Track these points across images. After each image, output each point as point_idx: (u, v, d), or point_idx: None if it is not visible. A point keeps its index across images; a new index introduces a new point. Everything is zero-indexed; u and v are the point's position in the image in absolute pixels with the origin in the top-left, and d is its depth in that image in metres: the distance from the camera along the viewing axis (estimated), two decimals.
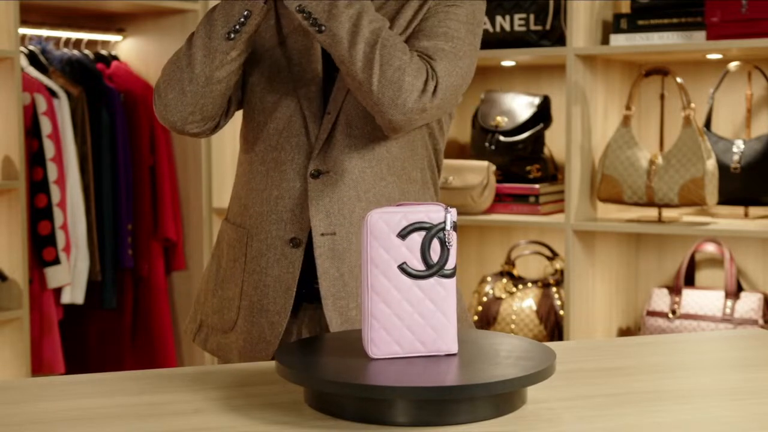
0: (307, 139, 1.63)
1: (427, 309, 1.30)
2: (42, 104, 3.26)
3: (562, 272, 3.26)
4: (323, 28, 1.50)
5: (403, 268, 1.29)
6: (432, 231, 1.29)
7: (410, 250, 1.29)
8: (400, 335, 1.30)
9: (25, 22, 3.44)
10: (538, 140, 3.26)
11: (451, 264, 1.30)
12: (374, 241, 1.29)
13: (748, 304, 2.97)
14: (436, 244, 1.29)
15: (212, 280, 1.76)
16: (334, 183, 1.63)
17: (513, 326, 3.21)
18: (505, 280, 3.30)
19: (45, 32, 3.56)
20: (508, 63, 3.35)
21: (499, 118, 3.26)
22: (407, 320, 1.30)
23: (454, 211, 1.30)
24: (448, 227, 1.29)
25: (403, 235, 1.29)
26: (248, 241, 1.68)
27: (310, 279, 1.65)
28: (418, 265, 1.29)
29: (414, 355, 1.30)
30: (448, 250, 1.29)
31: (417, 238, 1.29)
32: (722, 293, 3.02)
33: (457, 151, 3.58)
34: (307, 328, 1.68)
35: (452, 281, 1.30)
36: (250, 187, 1.69)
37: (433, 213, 1.29)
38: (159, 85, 1.60)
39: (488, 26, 3.16)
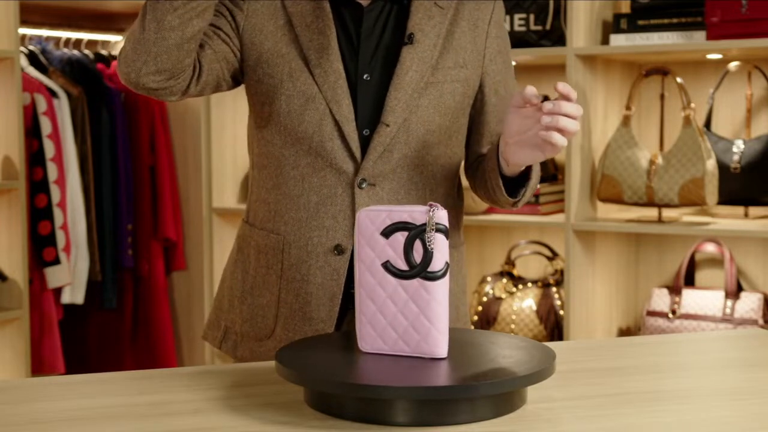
0: (343, 143, 1.60)
1: (410, 310, 1.30)
2: (42, 104, 3.26)
3: (562, 272, 3.26)
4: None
5: (386, 267, 1.30)
6: (414, 231, 1.28)
7: (394, 250, 1.29)
8: (384, 332, 1.31)
9: (25, 22, 3.45)
10: None
11: (436, 266, 1.28)
12: (361, 238, 1.31)
13: (748, 304, 2.97)
14: (419, 245, 1.29)
15: (238, 287, 1.72)
16: (381, 198, 1.61)
17: (513, 326, 3.21)
18: (505, 280, 3.30)
19: (45, 32, 3.56)
20: None
21: None
22: (390, 319, 1.31)
23: (442, 213, 1.28)
24: (428, 229, 1.28)
25: (386, 233, 1.29)
26: (285, 248, 1.64)
27: (349, 284, 1.63)
28: (402, 264, 1.29)
29: (400, 353, 1.31)
30: (431, 252, 1.28)
31: (400, 237, 1.29)
32: (722, 293, 3.02)
33: None
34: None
35: (437, 284, 1.28)
36: (281, 192, 1.64)
37: (417, 213, 1.29)
38: (122, 47, 1.56)
39: None
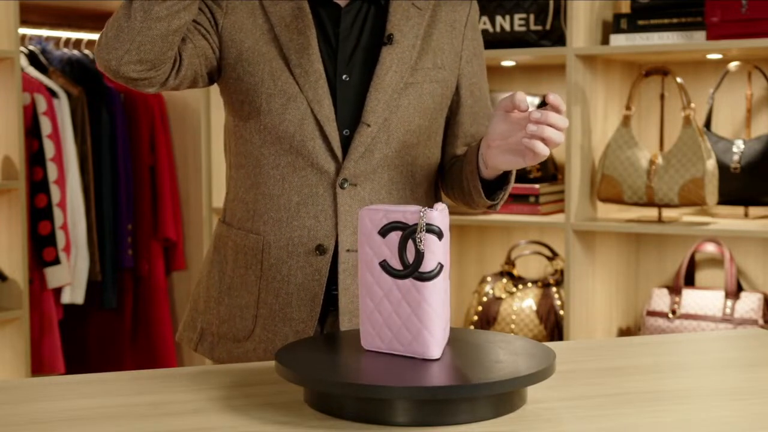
0: (324, 143, 1.60)
1: (403, 310, 1.30)
2: (42, 104, 3.26)
3: (562, 272, 3.26)
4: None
5: (383, 266, 1.30)
6: (407, 231, 1.29)
7: (390, 249, 1.30)
8: (381, 330, 1.32)
9: (25, 22, 3.45)
10: None
11: (427, 267, 1.27)
12: (362, 236, 1.32)
13: (748, 304, 2.97)
14: (411, 245, 1.29)
15: (215, 288, 1.71)
16: (362, 198, 1.62)
17: (513, 326, 3.21)
18: (505, 280, 3.30)
19: (45, 32, 3.56)
20: (508, 63, 3.35)
21: None
22: (386, 317, 1.31)
23: (433, 212, 1.28)
24: (418, 229, 1.28)
25: (383, 233, 1.30)
26: (264, 248, 1.64)
27: (330, 285, 1.64)
28: (396, 264, 1.29)
29: (394, 353, 1.32)
30: (421, 252, 1.28)
31: (395, 237, 1.29)
32: (722, 293, 3.02)
33: None
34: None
35: (428, 285, 1.28)
36: (260, 191, 1.64)
37: (410, 213, 1.29)
38: (101, 32, 1.54)
39: (488, 26, 3.17)
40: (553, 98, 1.41)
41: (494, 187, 1.64)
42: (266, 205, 1.64)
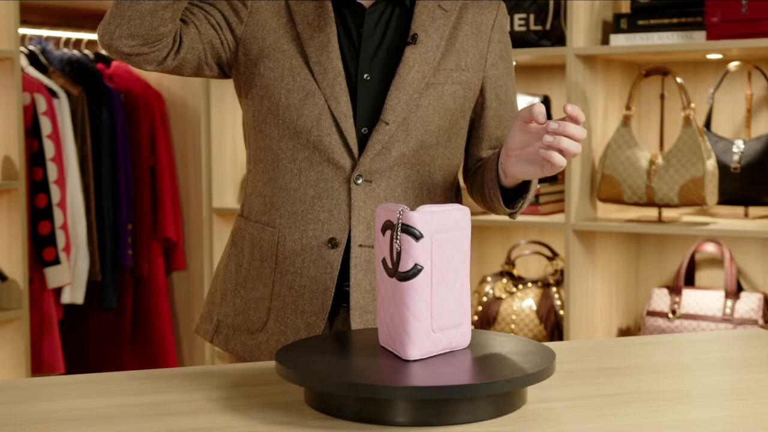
0: (340, 139, 1.61)
1: (391, 307, 1.31)
2: (42, 104, 3.26)
3: (562, 272, 3.26)
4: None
5: (382, 263, 1.31)
6: (393, 231, 1.29)
7: (387, 247, 1.31)
8: (382, 325, 1.34)
9: (25, 22, 3.45)
10: None
11: (404, 267, 1.27)
12: (376, 233, 1.34)
13: (748, 304, 2.97)
14: (396, 245, 1.29)
15: (231, 280, 1.73)
16: (377, 195, 1.63)
17: (513, 326, 3.21)
18: (505, 280, 3.30)
19: (45, 32, 3.56)
20: None
21: None
22: (383, 313, 1.33)
23: (411, 214, 1.27)
24: (395, 229, 1.28)
25: (382, 230, 1.31)
26: (279, 241, 1.65)
27: (343, 280, 1.65)
28: (390, 263, 1.30)
29: (388, 348, 1.33)
30: (398, 252, 1.28)
31: (389, 236, 1.30)
32: (722, 293, 3.02)
33: None
34: (342, 329, 1.66)
35: (404, 285, 1.27)
36: (277, 185, 1.66)
37: (395, 213, 1.29)
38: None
39: None
40: (571, 109, 1.41)
41: (516, 194, 1.66)
42: (282, 199, 1.66)
